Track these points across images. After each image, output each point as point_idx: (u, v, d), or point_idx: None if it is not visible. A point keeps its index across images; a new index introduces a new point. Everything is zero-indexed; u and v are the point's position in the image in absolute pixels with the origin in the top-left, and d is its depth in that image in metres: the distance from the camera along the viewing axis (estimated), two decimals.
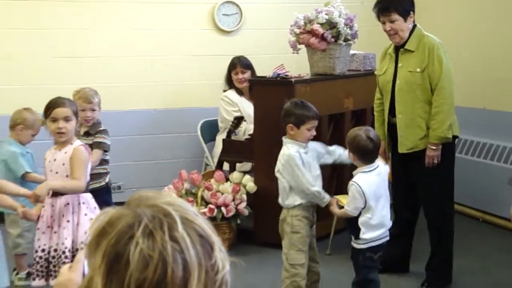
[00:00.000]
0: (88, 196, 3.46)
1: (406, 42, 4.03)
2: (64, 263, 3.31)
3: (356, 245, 3.52)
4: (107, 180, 4.43)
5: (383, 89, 4.20)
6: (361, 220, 3.46)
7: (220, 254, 0.96)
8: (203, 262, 0.92)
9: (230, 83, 5.49)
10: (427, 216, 4.15)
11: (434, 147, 3.95)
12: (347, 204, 3.52)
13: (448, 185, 4.13)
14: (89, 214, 3.39)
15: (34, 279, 3.40)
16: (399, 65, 4.07)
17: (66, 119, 3.38)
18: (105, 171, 4.41)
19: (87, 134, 4.26)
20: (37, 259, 3.40)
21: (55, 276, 3.33)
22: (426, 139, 3.99)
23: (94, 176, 3.99)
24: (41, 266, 3.39)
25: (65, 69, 5.49)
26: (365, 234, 3.46)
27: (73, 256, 3.30)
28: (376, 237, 3.50)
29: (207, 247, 0.94)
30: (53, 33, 5.48)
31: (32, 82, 5.39)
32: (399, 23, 3.96)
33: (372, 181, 3.48)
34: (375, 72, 4.40)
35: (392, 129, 4.12)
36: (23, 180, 4.04)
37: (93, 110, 4.33)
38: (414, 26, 4.04)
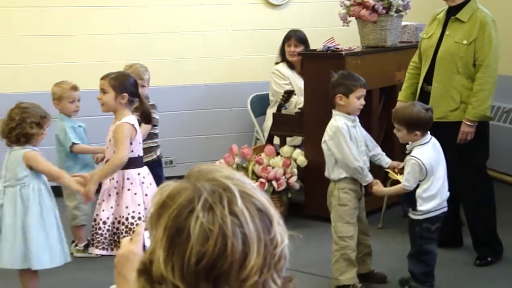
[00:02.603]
0: (134, 172, 3.51)
1: (458, 11, 3.95)
2: (97, 234, 3.49)
3: (413, 215, 3.54)
4: (158, 153, 4.51)
5: (424, 53, 4.13)
6: (418, 191, 3.49)
7: (279, 227, 0.96)
8: (262, 236, 0.93)
9: (283, 55, 5.46)
10: (460, 190, 4.09)
11: (471, 124, 3.90)
12: (405, 179, 3.49)
13: (481, 162, 4.08)
14: (132, 189, 3.48)
15: (97, 247, 3.53)
16: (446, 33, 3.99)
17: (102, 91, 3.51)
18: (155, 144, 4.49)
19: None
20: (92, 229, 3.57)
21: (96, 246, 3.49)
22: (457, 112, 3.95)
23: (145, 150, 4.04)
24: (92, 235, 3.57)
25: (119, 45, 5.55)
26: (422, 206, 3.49)
27: (110, 230, 3.47)
28: (433, 208, 3.50)
29: (266, 221, 0.95)
30: (109, 10, 5.55)
31: (86, 58, 5.47)
32: None
33: (429, 152, 3.50)
34: (420, 35, 4.32)
35: (425, 97, 4.04)
36: (72, 152, 4.15)
37: (143, 86, 4.38)
38: None
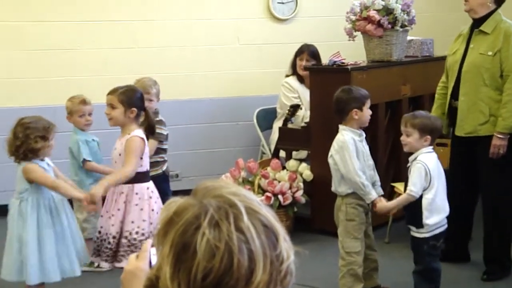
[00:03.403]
0: (143, 187, 3.52)
1: (482, 23, 3.94)
2: (106, 248, 3.48)
3: (419, 234, 3.49)
4: (164, 168, 4.51)
5: (450, 69, 4.10)
6: (424, 202, 3.43)
7: (285, 244, 0.97)
8: (268, 252, 0.94)
9: (294, 68, 5.48)
10: (484, 204, 4.08)
11: (502, 136, 3.84)
12: (412, 184, 3.43)
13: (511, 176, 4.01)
14: (140, 204, 3.48)
15: (106, 261, 3.53)
16: (471, 46, 3.97)
17: (111, 106, 3.51)
18: (162, 159, 4.49)
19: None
20: (97, 240, 3.59)
21: (105, 259, 3.49)
22: (487, 125, 3.89)
23: (151, 164, 4.04)
24: (97, 246, 3.57)
25: (127, 60, 5.58)
26: (428, 219, 3.42)
27: (117, 244, 3.47)
28: (439, 223, 3.47)
29: (272, 237, 0.95)
30: (117, 25, 5.59)
31: (96, 73, 5.50)
32: None
33: (434, 161, 3.49)
34: (446, 53, 4.29)
35: (453, 112, 4.03)
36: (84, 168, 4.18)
37: (151, 100, 4.38)
38: (495, 9, 3.94)
